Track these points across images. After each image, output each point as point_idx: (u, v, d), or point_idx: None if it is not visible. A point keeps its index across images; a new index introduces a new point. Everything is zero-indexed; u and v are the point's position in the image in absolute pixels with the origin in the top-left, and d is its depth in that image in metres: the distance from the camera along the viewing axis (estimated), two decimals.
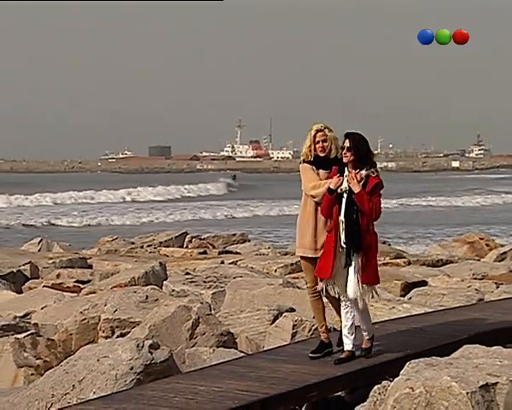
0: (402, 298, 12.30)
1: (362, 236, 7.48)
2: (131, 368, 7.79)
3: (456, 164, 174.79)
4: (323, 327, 8.09)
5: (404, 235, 34.62)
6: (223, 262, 16.68)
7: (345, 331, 7.81)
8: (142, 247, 21.72)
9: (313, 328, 9.71)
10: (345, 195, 7.51)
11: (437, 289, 12.86)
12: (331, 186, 7.54)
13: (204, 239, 22.75)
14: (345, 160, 7.54)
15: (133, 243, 22.63)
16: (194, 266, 16.37)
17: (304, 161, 7.83)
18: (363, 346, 7.90)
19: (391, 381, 6.76)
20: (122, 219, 45.08)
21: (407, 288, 13.29)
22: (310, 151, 7.79)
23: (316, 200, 7.73)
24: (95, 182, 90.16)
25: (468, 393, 6.17)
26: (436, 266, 16.63)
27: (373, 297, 7.78)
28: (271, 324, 9.96)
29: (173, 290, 12.39)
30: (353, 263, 7.54)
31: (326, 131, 7.77)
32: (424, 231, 36.43)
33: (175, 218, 46.30)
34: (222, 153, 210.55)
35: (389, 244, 23.27)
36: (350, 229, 7.48)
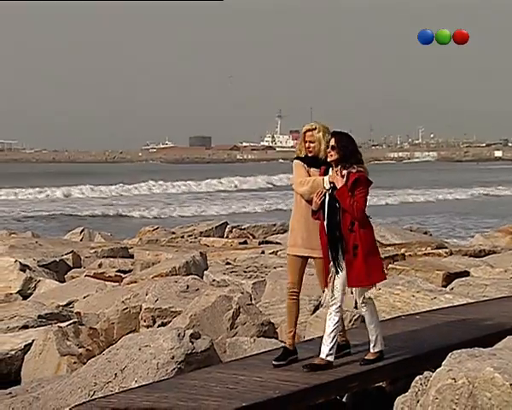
0: (444, 288, 12.20)
1: (345, 237, 7.23)
2: (173, 357, 7.83)
3: (498, 154, 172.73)
4: (291, 333, 7.69)
5: (446, 225, 34.38)
6: (263, 252, 16.68)
7: (324, 338, 7.43)
8: (182, 237, 21.80)
9: (354, 318, 9.68)
10: (327, 196, 7.34)
11: (479, 279, 12.73)
12: (313, 207, 7.40)
13: (244, 229, 22.77)
14: (329, 158, 7.38)
15: (174, 233, 22.71)
16: (235, 256, 16.38)
17: (296, 158, 7.69)
18: (366, 356, 7.49)
19: (433, 372, 6.71)
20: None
21: (449, 278, 13.18)
22: (302, 149, 7.66)
23: (304, 198, 7.54)
24: (154, 172, 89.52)
25: (511, 384, 6.10)
26: (478, 256, 16.45)
27: (365, 299, 7.38)
28: (312, 314, 9.95)
29: (214, 280, 12.42)
30: (339, 268, 7.31)
31: (315, 131, 7.57)
32: (465, 221, 36.13)
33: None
34: (262, 143, 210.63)
35: (430, 234, 23.10)
36: (331, 233, 7.30)
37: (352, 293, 7.45)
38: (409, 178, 79.05)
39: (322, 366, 7.32)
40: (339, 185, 7.28)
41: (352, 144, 7.41)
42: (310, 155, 7.60)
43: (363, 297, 7.40)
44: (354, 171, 7.30)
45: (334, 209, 7.31)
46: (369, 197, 7.39)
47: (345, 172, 7.30)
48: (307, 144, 7.61)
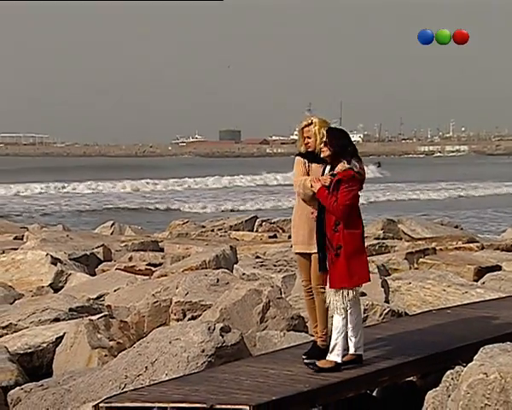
0: (475, 283, 12.13)
1: (329, 237, 7.20)
2: (203, 351, 7.84)
3: None
4: (317, 327, 7.62)
5: (477, 219, 34.15)
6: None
7: (348, 334, 7.39)
8: (212, 230, 21.85)
9: (384, 312, 9.65)
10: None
11: (511, 274, 12.64)
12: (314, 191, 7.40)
13: (274, 223, 22.77)
14: (322, 154, 7.38)
15: (204, 227, 22.77)
16: (265, 249, 16.38)
17: (298, 154, 7.62)
18: (319, 363, 7.23)
19: (464, 366, 6.67)
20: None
21: (480, 273, 13.11)
22: (301, 145, 7.60)
23: (301, 197, 7.50)
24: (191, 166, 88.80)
25: None
26: (510, 250, 16.33)
27: (348, 300, 7.23)
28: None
29: (244, 274, 12.42)
30: (326, 267, 7.32)
31: (311, 126, 7.49)
32: (497, 215, 35.87)
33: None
34: (292, 137, 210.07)
35: (461, 228, 22.94)
36: (318, 233, 7.33)
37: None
38: (440, 172, 78.56)
39: (351, 361, 7.28)
40: (315, 189, 7.28)
41: (344, 140, 7.32)
42: (309, 150, 7.54)
43: (345, 300, 7.22)
44: (342, 169, 7.21)
45: (321, 209, 7.33)
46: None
47: (328, 178, 7.26)
48: (305, 140, 7.55)
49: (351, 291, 7.23)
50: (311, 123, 7.51)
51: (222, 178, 64.48)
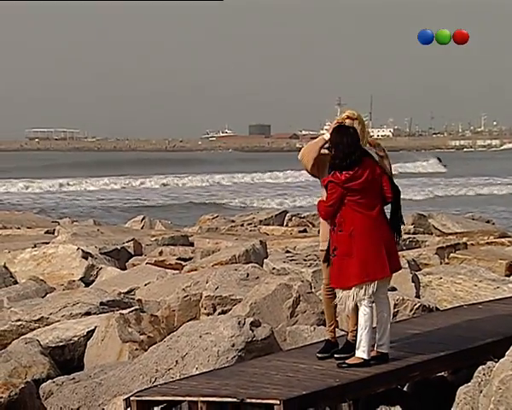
0: (507, 278, 12.03)
1: (330, 238, 7.34)
2: (233, 345, 7.86)
3: None
4: (332, 326, 7.61)
5: (509, 214, 33.89)
6: None
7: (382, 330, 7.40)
8: (242, 225, 21.85)
9: (415, 307, 9.60)
10: None
11: None
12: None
13: (304, 218, 22.74)
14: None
15: (233, 222, 22.78)
16: (295, 244, 16.36)
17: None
18: (348, 360, 7.22)
19: (496, 362, 6.62)
20: None
21: None
22: None
23: (307, 165, 7.43)
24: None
25: None
26: None
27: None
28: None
29: (274, 268, 12.41)
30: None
31: (355, 122, 7.29)
32: None
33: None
34: (321, 131, 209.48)
35: (493, 223, 22.77)
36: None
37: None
38: (472, 167, 78.05)
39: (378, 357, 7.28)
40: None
41: (340, 143, 7.23)
42: None
43: (347, 299, 7.26)
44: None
45: None
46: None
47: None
48: None
49: (355, 290, 7.21)
50: (356, 118, 7.35)
51: (264, 174, 64.35)
